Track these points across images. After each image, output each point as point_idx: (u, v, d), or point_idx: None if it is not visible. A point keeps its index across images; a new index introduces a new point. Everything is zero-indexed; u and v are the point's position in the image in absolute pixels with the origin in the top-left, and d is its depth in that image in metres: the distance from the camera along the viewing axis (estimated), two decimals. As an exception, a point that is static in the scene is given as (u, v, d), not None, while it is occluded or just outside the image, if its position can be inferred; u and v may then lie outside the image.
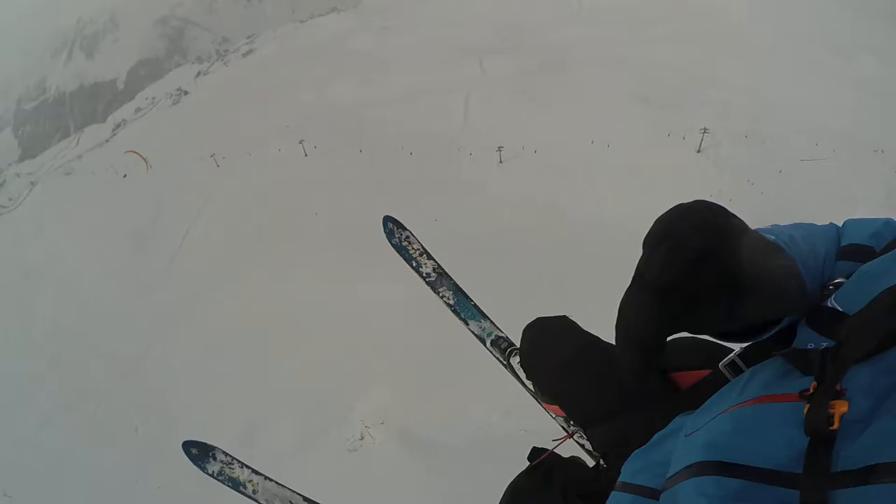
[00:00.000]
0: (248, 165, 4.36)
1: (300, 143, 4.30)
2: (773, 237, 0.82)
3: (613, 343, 1.33)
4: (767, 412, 0.72)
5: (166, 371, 3.33)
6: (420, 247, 2.05)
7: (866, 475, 0.56)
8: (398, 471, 2.68)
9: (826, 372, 0.65)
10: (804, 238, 0.91)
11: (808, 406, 0.64)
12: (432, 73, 5.29)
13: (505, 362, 1.93)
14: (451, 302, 1.98)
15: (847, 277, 0.83)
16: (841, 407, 0.60)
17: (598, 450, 1.36)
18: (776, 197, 3.77)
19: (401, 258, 2.05)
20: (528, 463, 1.39)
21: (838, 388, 0.63)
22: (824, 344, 0.73)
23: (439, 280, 1.99)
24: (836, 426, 0.60)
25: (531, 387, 1.75)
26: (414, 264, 2.03)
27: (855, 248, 0.92)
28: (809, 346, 0.76)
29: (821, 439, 0.61)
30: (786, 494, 0.62)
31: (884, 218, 0.96)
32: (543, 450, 1.37)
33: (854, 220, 1.02)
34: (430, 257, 2.03)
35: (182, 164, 4.82)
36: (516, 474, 1.37)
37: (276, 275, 3.45)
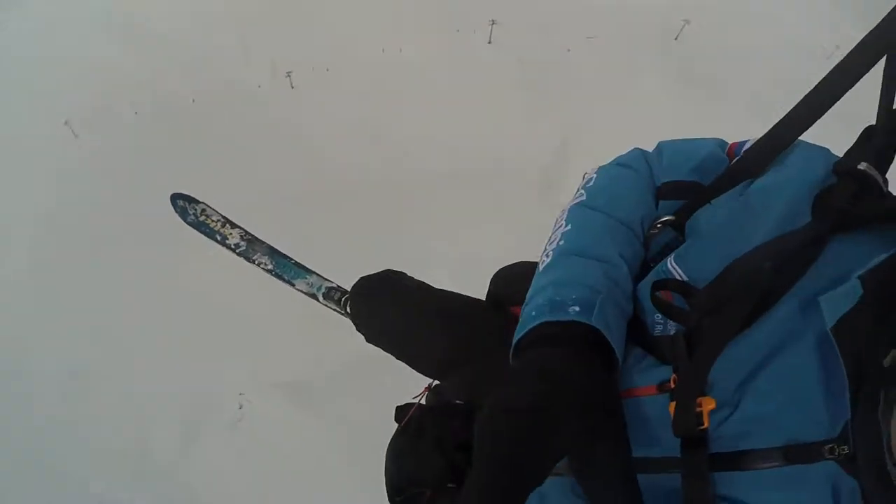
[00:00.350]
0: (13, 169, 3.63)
1: (65, 123, 3.65)
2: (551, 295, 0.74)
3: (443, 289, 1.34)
4: (635, 406, 0.70)
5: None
6: (220, 217, 1.88)
7: (740, 460, 0.59)
8: (289, 425, 2.63)
9: (687, 369, 0.64)
10: (623, 220, 0.84)
11: (672, 405, 0.63)
12: (198, 12, 4.65)
13: (343, 312, 1.89)
14: (270, 266, 1.87)
15: (675, 216, 0.82)
16: (708, 404, 0.60)
17: (461, 398, 1.32)
18: (567, 78, 3.95)
19: (202, 235, 1.89)
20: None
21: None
22: (673, 330, 0.71)
23: (250, 247, 1.87)
24: (706, 425, 0.60)
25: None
26: (219, 238, 1.87)
27: (677, 184, 0.87)
28: (657, 324, 0.73)
29: (692, 438, 0.62)
30: (670, 480, 0.63)
31: (704, 145, 0.90)
32: (409, 405, 1.32)
33: (672, 144, 0.94)
34: (233, 226, 1.88)
35: None
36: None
37: (78, 295, 3.02)
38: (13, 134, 3.63)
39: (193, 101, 3.85)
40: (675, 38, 4.25)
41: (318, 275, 1.92)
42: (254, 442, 2.62)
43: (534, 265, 0.88)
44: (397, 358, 1.37)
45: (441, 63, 4.01)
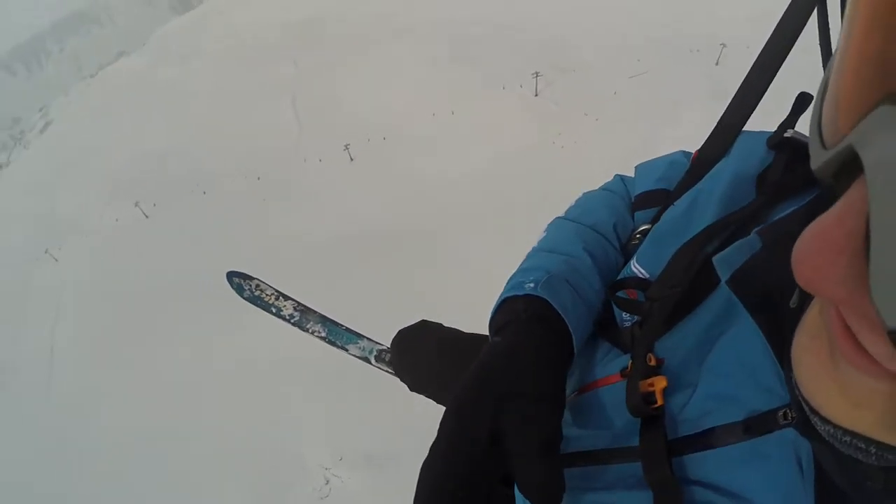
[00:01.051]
0: (85, 248, 3.96)
1: (136, 205, 3.96)
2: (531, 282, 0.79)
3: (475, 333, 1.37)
4: (597, 397, 0.73)
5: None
6: (273, 291, 1.97)
7: (706, 438, 0.58)
8: (378, 498, 2.61)
9: (636, 348, 0.66)
10: (592, 225, 0.91)
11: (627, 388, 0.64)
12: (245, 89, 5.00)
13: (395, 372, 1.93)
14: (324, 334, 1.93)
15: (650, 224, 0.85)
16: (660, 383, 0.62)
17: None
18: (614, 119, 3.97)
19: (259, 308, 1.97)
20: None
21: (653, 362, 0.64)
22: (628, 321, 0.75)
23: (303, 317, 1.93)
24: (659, 402, 0.61)
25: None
26: (274, 311, 1.95)
27: (647, 195, 0.93)
28: (625, 321, 0.76)
29: (647, 417, 0.62)
30: (632, 468, 0.63)
31: (668, 156, 0.97)
32: None
33: (642, 165, 1.01)
34: (286, 298, 1.96)
35: (15, 262, 4.26)
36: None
37: (159, 354, 3.20)
38: (86, 213, 3.96)
39: (259, 178, 4.10)
40: (716, 63, 4.22)
41: (368, 339, 1.96)
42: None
43: None
44: (440, 403, 1.40)
45: (490, 119, 4.12)
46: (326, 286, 2.96)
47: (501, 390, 0.62)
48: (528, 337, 0.70)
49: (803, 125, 0.58)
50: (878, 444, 0.34)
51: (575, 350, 0.75)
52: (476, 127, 4.11)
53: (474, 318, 1.53)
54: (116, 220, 4.01)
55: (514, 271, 0.88)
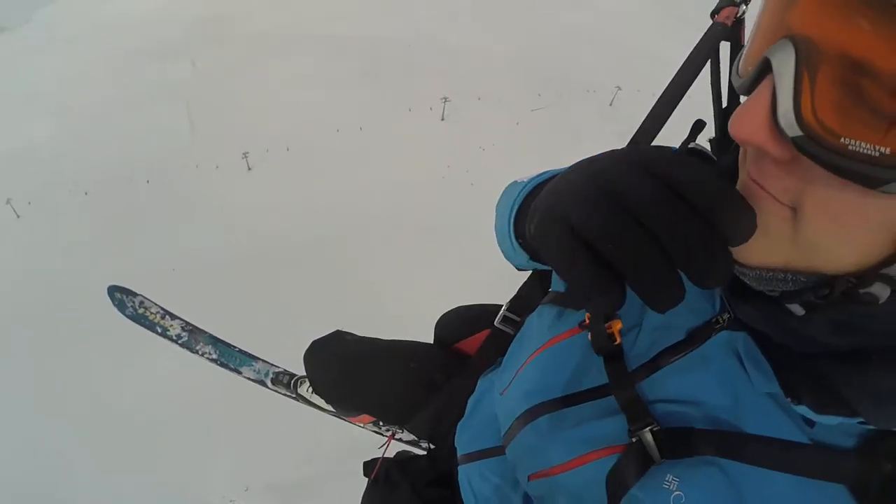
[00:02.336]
0: None
1: (7, 202, 3.54)
2: None
3: (390, 340, 1.38)
4: (560, 349, 0.83)
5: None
6: (159, 309, 1.83)
7: (657, 362, 0.70)
8: None
9: None
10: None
11: (590, 333, 0.75)
12: (136, 83, 4.63)
13: (294, 395, 1.85)
14: (215, 356, 1.82)
15: None
16: (616, 325, 0.73)
17: (422, 437, 1.44)
18: (512, 150, 4.08)
19: (142, 327, 1.83)
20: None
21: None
22: None
23: (192, 338, 1.82)
24: (618, 341, 0.72)
25: (329, 408, 1.72)
26: (159, 330, 1.81)
27: None
28: None
29: (610, 353, 0.73)
30: (605, 403, 0.73)
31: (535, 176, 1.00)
32: (374, 460, 1.38)
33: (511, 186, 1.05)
34: (174, 317, 1.83)
35: None
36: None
37: (21, 385, 2.81)
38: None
39: (148, 181, 3.80)
40: (610, 104, 4.52)
41: (263, 361, 1.88)
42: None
43: (469, 308, 1.30)
44: (360, 411, 1.49)
45: (398, 138, 4.10)
46: (222, 301, 2.79)
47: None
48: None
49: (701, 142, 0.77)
50: (791, 271, 0.49)
51: None
52: (382, 145, 4.08)
53: (371, 333, 1.55)
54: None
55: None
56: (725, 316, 0.66)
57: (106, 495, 2.46)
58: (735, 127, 0.45)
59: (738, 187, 0.51)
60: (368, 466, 1.38)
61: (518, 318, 1.18)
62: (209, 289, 2.98)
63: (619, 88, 4.48)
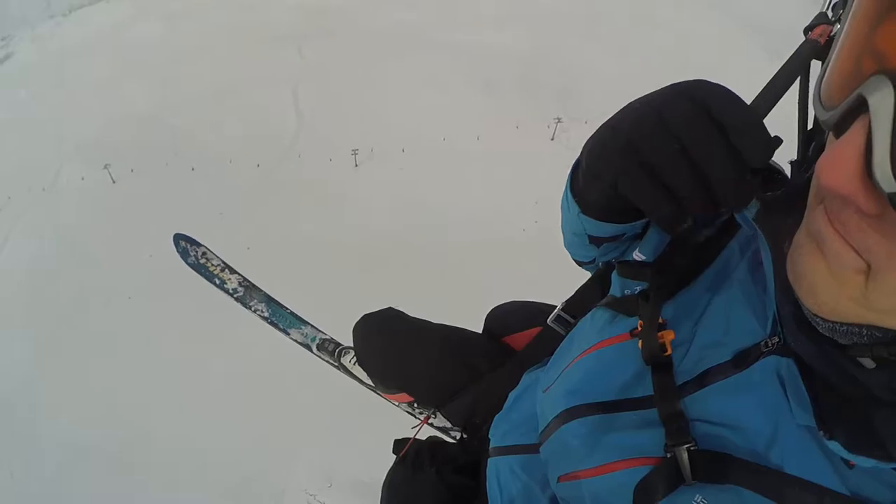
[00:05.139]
0: (40, 204, 3.72)
1: (105, 167, 3.78)
2: None
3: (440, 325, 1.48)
4: (608, 354, 0.82)
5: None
6: (220, 262, 1.87)
7: (702, 380, 0.67)
8: None
9: (647, 310, 0.75)
10: None
11: (641, 341, 0.74)
12: (243, 65, 4.82)
13: (336, 363, 1.84)
14: (266, 314, 1.83)
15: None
16: (668, 335, 0.72)
17: (457, 424, 1.42)
18: None
19: (202, 277, 1.87)
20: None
21: (661, 321, 0.74)
22: (638, 288, 0.84)
23: (247, 293, 1.84)
24: (669, 351, 0.71)
25: (369, 382, 1.70)
26: (217, 282, 1.85)
27: None
28: (626, 293, 0.86)
29: (659, 364, 0.72)
30: (645, 414, 0.72)
31: None
32: (406, 439, 1.37)
33: None
34: (232, 271, 1.86)
35: None
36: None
37: (109, 351, 2.93)
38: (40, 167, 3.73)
39: (259, 165, 3.95)
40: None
41: (312, 326, 1.87)
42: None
43: (524, 304, 1.29)
44: (400, 389, 1.49)
45: (507, 153, 4.06)
46: (315, 288, 2.79)
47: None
48: None
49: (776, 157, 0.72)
50: (867, 326, 0.46)
51: None
52: (499, 159, 4.05)
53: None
54: (82, 178, 3.82)
55: None
56: (775, 340, 0.63)
57: (185, 473, 2.51)
58: (823, 173, 0.40)
59: (811, 227, 0.48)
60: (399, 445, 1.38)
61: (572, 319, 1.18)
62: (302, 272, 3.02)
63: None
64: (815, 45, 0.88)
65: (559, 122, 4.16)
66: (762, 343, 0.64)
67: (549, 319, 1.19)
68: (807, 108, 0.86)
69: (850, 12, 0.42)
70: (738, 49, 5.40)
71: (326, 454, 2.54)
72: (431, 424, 1.55)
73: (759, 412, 0.62)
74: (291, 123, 4.32)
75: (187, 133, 4.20)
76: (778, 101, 0.87)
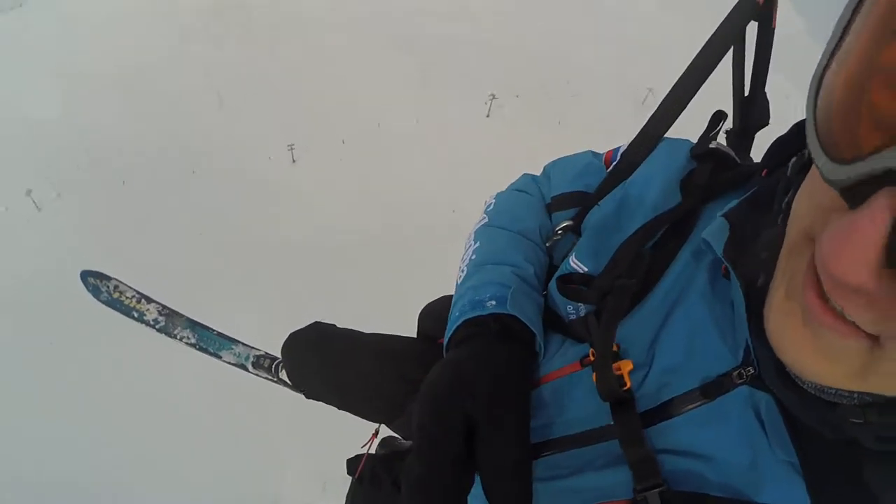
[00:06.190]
0: None
1: (27, 194, 3.57)
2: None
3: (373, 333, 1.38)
4: (561, 387, 0.76)
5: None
6: (135, 293, 1.77)
7: (667, 409, 0.63)
8: None
9: (598, 338, 0.70)
10: (522, 231, 0.97)
11: (595, 375, 0.68)
12: (155, 63, 4.58)
13: (276, 379, 1.77)
14: (193, 341, 1.75)
15: (573, 221, 0.91)
16: (626, 366, 0.67)
17: (407, 437, 1.39)
18: (558, 143, 3.96)
19: (118, 312, 1.77)
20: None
21: (616, 348, 0.69)
22: (584, 310, 0.78)
23: (169, 322, 1.75)
24: (628, 385, 0.66)
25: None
26: (135, 315, 1.75)
27: (564, 196, 0.99)
28: (570, 314, 0.80)
29: (619, 400, 0.66)
30: (607, 448, 0.67)
31: (579, 157, 1.03)
32: (358, 457, 1.32)
33: (554, 164, 1.08)
34: (149, 300, 1.76)
35: None
36: None
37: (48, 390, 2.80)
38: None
39: (194, 172, 3.78)
40: (643, 103, 4.34)
41: (244, 344, 1.80)
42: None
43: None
44: (340, 408, 1.37)
45: (443, 134, 4.00)
46: (264, 292, 2.70)
47: (477, 401, 0.67)
48: (500, 347, 0.76)
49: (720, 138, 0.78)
50: (857, 392, 0.43)
51: (539, 356, 0.81)
52: (437, 138, 3.98)
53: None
54: (5, 208, 3.61)
55: (459, 285, 0.91)
56: (749, 371, 0.58)
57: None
58: (833, 262, 0.34)
59: (792, 293, 0.44)
60: (352, 464, 1.32)
61: None
62: (260, 269, 2.93)
63: (651, 91, 4.31)
64: (754, 5, 0.80)
65: (494, 98, 4.11)
66: (734, 373, 0.59)
67: None
68: (743, 73, 0.82)
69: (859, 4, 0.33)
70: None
71: (315, 459, 2.50)
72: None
73: (734, 444, 0.58)
74: (219, 123, 4.14)
75: (105, 142, 3.98)
76: (713, 68, 0.80)
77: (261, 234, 3.40)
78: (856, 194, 0.33)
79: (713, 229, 0.63)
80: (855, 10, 0.33)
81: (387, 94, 4.29)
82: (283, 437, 2.55)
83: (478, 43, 4.82)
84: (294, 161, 3.81)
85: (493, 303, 0.80)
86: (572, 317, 0.80)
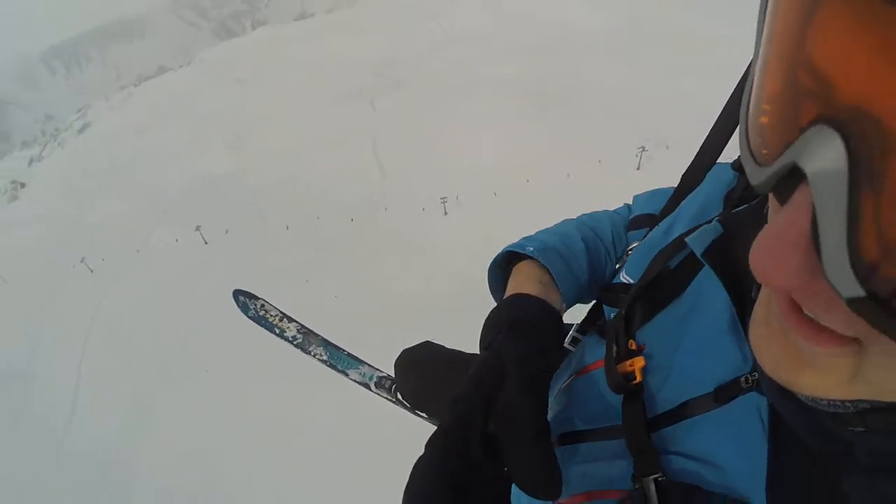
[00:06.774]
0: (129, 265, 4.00)
1: (197, 229, 4.07)
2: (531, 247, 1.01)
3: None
4: (586, 381, 0.83)
5: None
6: (278, 312, 1.98)
7: (682, 412, 0.66)
8: None
9: (618, 336, 0.75)
10: (592, 227, 1.13)
11: (605, 365, 0.74)
12: (320, 125, 5.08)
13: (394, 399, 1.87)
14: (325, 357, 1.91)
15: (640, 242, 0.97)
16: (638, 363, 0.70)
17: None
18: None
19: (262, 328, 1.98)
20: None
21: (633, 347, 0.73)
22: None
23: (306, 339, 1.92)
24: (638, 379, 0.70)
25: (424, 415, 1.72)
26: (277, 331, 1.95)
27: (637, 218, 1.12)
28: (612, 316, 0.85)
29: (628, 393, 0.70)
30: (617, 444, 0.70)
31: (658, 189, 1.17)
32: None
33: (637, 195, 1.21)
34: (290, 320, 1.96)
35: (45, 276, 4.18)
36: None
37: (201, 406, 3.12)
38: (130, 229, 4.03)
39: (352, 220, 4.10)
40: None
41: (369, 365, 1.92)
42: None
43: None
44: (437, 417, 1.47)
45: (594, 186, 4.04)
46: (415, 331, 2.88)
47: (492, 391, 0.71)
48: (513, 346, 0.79)
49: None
50: (852, 401, 0.41)
51: (565, 307, 0.96)
52: (586, 194, 4.05)
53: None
54: (176, 240, 4.13)
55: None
56: (755, 376, 0.60)
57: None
58: (759, 270, 0.32)
59: (759, 320, 0.45)
60: None
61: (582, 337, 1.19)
62: (409, 320, 3.12)
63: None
64: None
65: (644, 150, 4.07)
66: (742, 378, 0.61)
67: (565, 342, 1.15)
68: None
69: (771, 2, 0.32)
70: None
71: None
72: None
73: (738, 451, 0.60)
74: (375, 175, 4.44)
75: (270, 192, 4.45)
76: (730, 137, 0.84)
77: (406, 279, 3.55)
78: (783, 196, 0.32)
79: (700, 232, 0.67)
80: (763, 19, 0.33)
81: (536, 151, 4.39)
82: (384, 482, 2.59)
83: (629, 95, 4.84)
84: (446, 213, 3.99)
85: (532, 249, 0.99)
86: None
